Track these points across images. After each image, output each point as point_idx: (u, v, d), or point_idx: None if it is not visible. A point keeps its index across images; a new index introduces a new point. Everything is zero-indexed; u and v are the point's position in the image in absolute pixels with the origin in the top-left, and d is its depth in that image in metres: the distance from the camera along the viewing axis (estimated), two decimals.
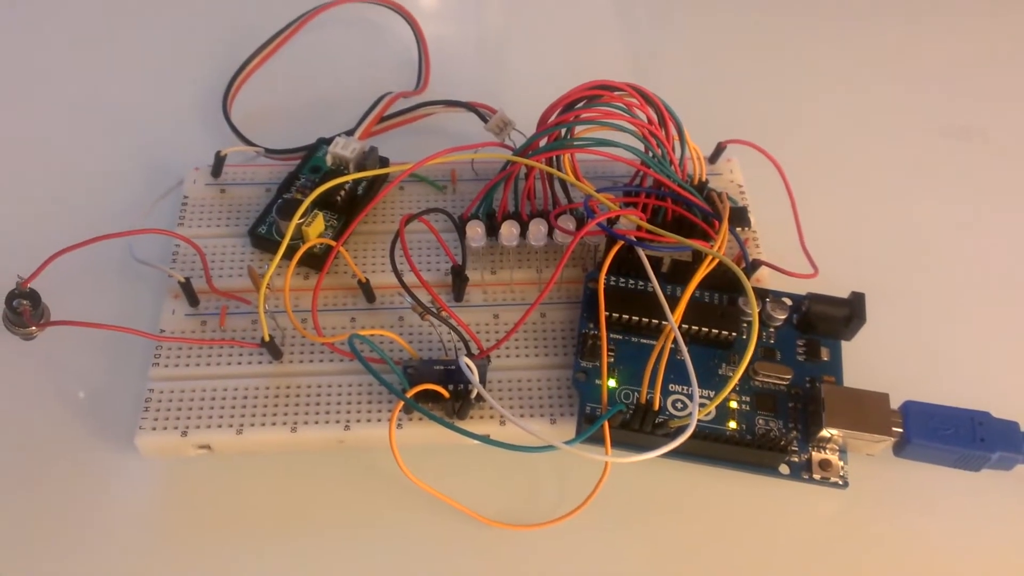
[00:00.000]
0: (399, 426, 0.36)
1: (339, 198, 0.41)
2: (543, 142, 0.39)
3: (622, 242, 0.36)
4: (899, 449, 0.35)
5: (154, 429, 0.35)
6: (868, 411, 0.34)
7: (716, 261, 0.35)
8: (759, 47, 0.57)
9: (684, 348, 0.33)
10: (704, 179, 0.42)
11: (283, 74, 0.51)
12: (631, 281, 0.39)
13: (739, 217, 0.42)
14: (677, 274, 0.39)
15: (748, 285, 0.32)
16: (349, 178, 0.38)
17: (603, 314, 0.35)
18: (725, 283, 0.38)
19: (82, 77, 0.52)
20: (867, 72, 0.55)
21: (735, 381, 0.31)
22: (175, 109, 0.50)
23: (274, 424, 0.36)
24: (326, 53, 0.53)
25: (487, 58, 0.55)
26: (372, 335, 0.36)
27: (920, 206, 0.47)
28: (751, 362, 0.37)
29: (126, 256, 0.40)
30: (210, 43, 0.53)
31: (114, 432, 0.37)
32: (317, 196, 0.37)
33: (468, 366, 0.33)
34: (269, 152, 0.45)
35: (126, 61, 0.53)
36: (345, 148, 0.42)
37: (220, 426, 0.35)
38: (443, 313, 0.35)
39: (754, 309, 0.32)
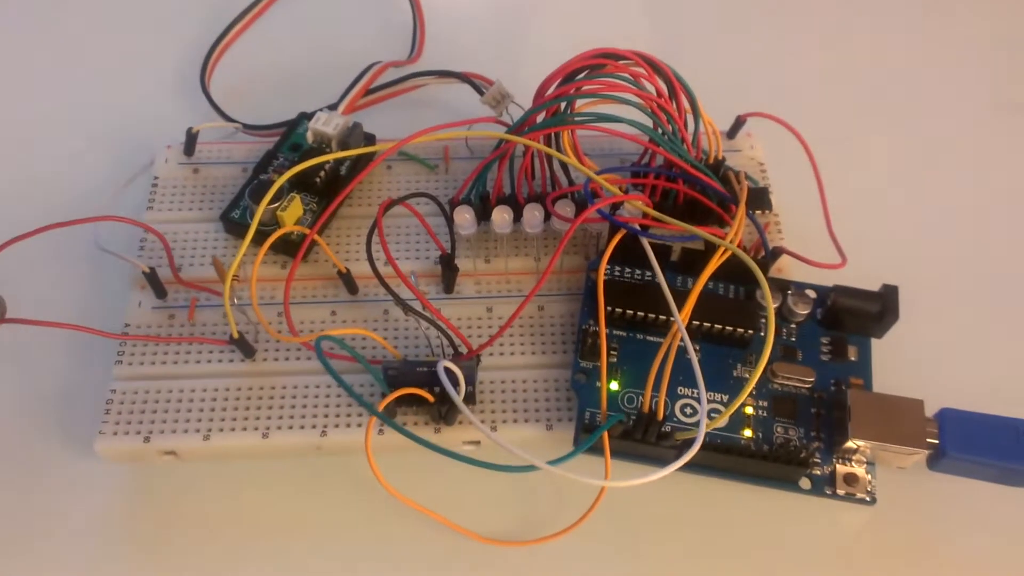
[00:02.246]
0: (379, 431, 0.33)
1: (319, 179, 0.37)
2: (540, 117, 0.35)
3: (624, 231, 0.33)
4: (934, 462, 0.31)
5: (115, 434, 0.33)
6: (900, 420, 0.31)
7: (729, 252, 0.31)
8: (786, 13, 0.52)
9: (692, 351, 0.29)
10: (720, 157, 0.38)
11: (267, 42, 0.48)
12: (637, 271, 0.35)
13: (759, 199, 0.38)
14: (688, 263, 0.35)
15: (764, 282, 0.29)
16: (327, 158, 0.35)
17: (602, 311, 0.32)
18: (742, 273, 0.34)
19: (48, 48, 0.48)
20: (907, 40, 0.50)
21: (749, 389, 0.28)
22: (150, 81, 0.46)
23: (244, 429, 0.33)
24: (314, 19, 0.50)
25: (488, 24, 0.51)
26: (346, 335, 0.33)
27: (964, 189, 0.43)
28: (768, 363, 0.33)
29: (93, 242, 0.37)
30: (188, 9, 0.49)
31: (76, 433, 0.34)
32: (291, 177, 0.34)
33: (450, 371, 0.30)
34: (247, 128, 0.42)
35: (97, 29, 0.49)
36: (327, 124, 0.38)
37: (186, 431, 0.33)
38: (426, 311, 0.32)
39: (770, 309, 0.28)
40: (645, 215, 0.33)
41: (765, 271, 0.35)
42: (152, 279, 0.35)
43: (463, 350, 0.33)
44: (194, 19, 0.48)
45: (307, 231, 0.34)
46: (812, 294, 0.35)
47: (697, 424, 0.31)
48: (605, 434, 0.30)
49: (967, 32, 0.51)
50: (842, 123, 0.45)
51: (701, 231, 0.31)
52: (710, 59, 0.47)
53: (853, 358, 0.34)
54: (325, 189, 0.38)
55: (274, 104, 0.43)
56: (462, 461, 0.27)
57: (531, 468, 0.26)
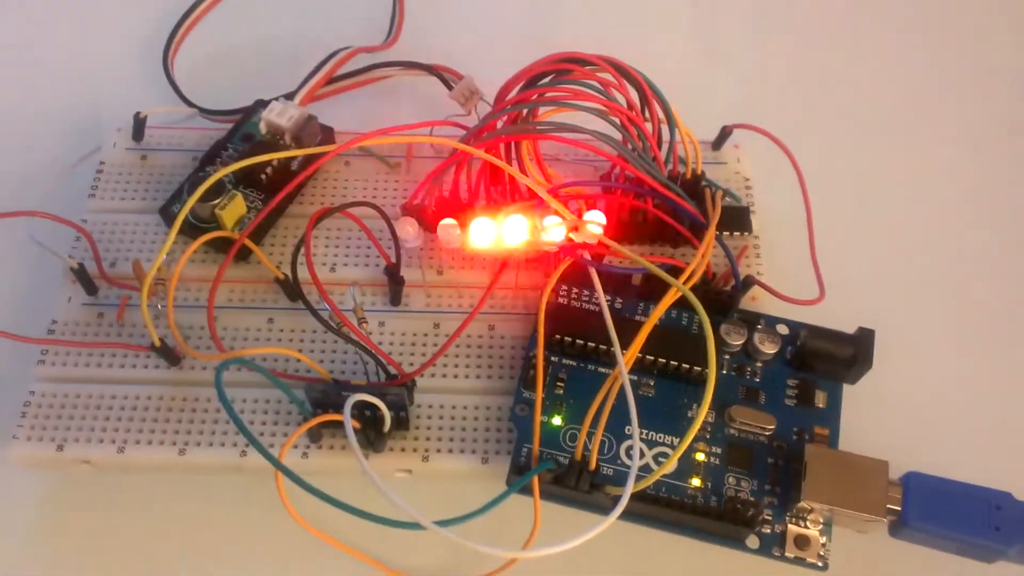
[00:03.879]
0: (304, 456, 0.31)
1: (265, 175, 0.35)
2: (501, 122, 0.33)
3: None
4: (896, 529, 0.28)
5: (29, 439, 0.31)
6: (860, 482, 0.28)
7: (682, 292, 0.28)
8: (787, 21, 0.48)
9: (631, 398, 0.27)
10: (699, 171, 0.35)
11: (240, 18, 0.45)
12: (595, 295, 0.33)
13: (738, 219, 0.35)
14: (652, 288, 0.33)
15: (711, 337, 0.26)
16: (267, 157, 0.32)
17: (541, 341, 0.29)
18: (706, 303, 0.32)
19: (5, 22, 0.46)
20: (916, 54, 0.46)
21: (687, 443, 0.25)
22: (109, 57, 0.44)
23: (161, 443, 0.31)
24: None
25: (475, 10, 0.47)
26: (266, 354, 0.31)
27: (964, 225, 0.39)
28: (726, 406, 0.31)
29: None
30: None
31: None
32: (236, 172, 0.32)
33: (367, 403, 0.28)
34: (204, 112, 0.39)
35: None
36: (281, 115, 0.36)
37: (101, 441, 0.31)
38: (349, 331, 0.30)
39: (712, 369, 0.25)
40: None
41: (734, 303, 0.32)
42: (81, 275, 0.33)
43: (396, 374, 0.31)
44: None
45: (236, 236, 0.32)
46: (784, 330, 0.32)
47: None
48: (535, 480, 0.28)
49: (978, 58, 0.46)
50: (839, 143, 0.42)
51: (653, 267, 0.28)
52: (702, 65, 0.44)
53: (821, 405, 0.31)
54: (273, 185, 0.35)
55: (241, 85, 0.41)
56: (348, 512, 0.24)
57: (417, 527, 0.24)
